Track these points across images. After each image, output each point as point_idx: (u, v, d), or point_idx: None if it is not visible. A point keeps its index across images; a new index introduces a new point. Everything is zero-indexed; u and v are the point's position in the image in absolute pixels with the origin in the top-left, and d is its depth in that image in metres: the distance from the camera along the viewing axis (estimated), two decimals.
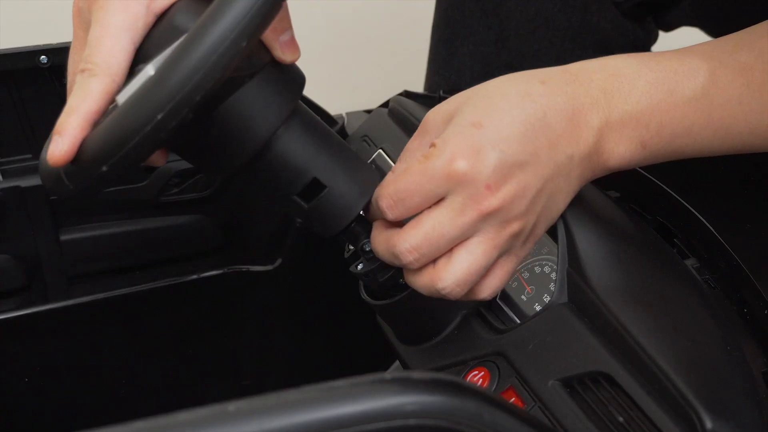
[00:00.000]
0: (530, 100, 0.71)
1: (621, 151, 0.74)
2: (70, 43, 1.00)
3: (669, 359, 0.68)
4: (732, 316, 0.76)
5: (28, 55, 0.99)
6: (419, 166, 0.70)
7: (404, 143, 0.96)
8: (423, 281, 0.72)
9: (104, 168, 0.64)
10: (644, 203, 0.85)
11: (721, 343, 0.72)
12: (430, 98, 1.05)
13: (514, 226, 0.71)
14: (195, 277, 1.14)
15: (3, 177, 1.04)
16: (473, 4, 1.09)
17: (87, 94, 0.68)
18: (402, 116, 0.99)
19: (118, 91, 0.68)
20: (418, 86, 1.20)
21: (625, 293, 0.73)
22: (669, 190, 0.83)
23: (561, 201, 0.74)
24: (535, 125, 0.71)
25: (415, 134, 0.75)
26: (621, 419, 0.68)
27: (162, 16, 0.71)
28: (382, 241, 0.73)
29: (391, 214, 0.72)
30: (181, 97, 0.62)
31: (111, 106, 0.69)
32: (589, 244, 0.76)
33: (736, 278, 0.76)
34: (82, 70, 0.69)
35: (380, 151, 0.97)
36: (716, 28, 1.18)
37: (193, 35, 0.63)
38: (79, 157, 0.66)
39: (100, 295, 1.11)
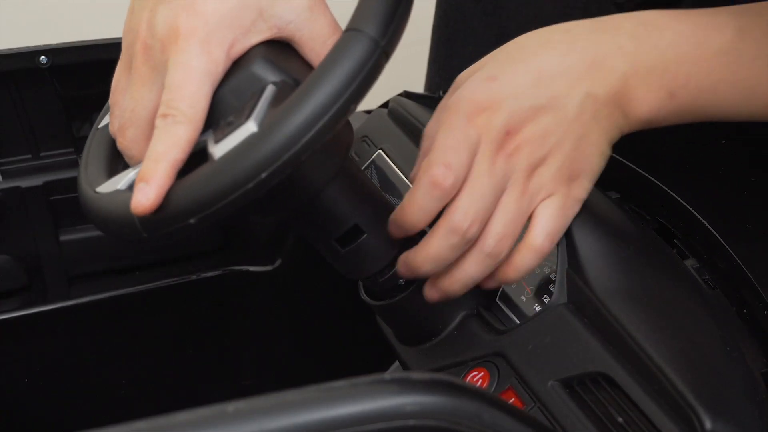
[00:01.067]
0: (548, 47, 0.73)
1: (650, 99, 0.73)
2: (70, 43, 1.01)
3: (668, 360, 0.68)
4: (732, 316, 0.75)
5: (28, 55, 0.99)
6: (443, 133, 0.71)
7: (404, 144, 0.96)
8: (471, 257, 0.73)
9: (192, 220, 0.63)
10: (644, 204, 0.85)
11: (721, 344, 0.72)
12: (430, 98, 1.05)
13: (542, 170, 0.71)
14: (195, 277, 1.14)
15: (3, 177, 1.04)
16: (473, 5, 1.09)
17: (175, 141, 0.66)
18: (402, 117, 0.99)
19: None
20: (418, 86, 1.20)
21: (624, 294, 0.73)
22: (669, 190, 0.83)
23: (595, 141, 0.73)
24: (552, 70, 0.72)
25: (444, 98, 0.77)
26: (620, 420, 0.68)
27: (237, 63, 0.70)
28: (435, 237, 0.72)
29: (447, 180, 0.70)
30: (287, 157, 0.61)
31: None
32: (588, 244, 0.76)
33: (735, 279, 0.76)
34: (165, 115, 0.66)
35: (380, 151, 0.97)
36: None
37: (302, 95, 0.62)
38: (163, 207, 0.64)
39: (100, 296, 1.11)
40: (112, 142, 0.75)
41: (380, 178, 0.95)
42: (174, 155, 0.65)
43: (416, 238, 0.75)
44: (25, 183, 1.05)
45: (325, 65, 0.63)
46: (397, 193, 0.93)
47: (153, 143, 0.66)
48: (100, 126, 0.77)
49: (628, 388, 0.68)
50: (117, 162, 0.74)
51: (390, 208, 0.77)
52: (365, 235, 0.75)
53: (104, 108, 0.78)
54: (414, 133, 0.97)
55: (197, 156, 0.66)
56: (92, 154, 0.75)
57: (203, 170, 0.64)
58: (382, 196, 0.78)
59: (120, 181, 0.70)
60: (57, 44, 1.00)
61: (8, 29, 1.64)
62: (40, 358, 1.11)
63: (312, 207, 0.73)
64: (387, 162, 0.96)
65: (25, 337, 1.09)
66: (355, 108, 0.64)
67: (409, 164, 0.95)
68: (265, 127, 0.63)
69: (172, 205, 0.64)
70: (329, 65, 0.63)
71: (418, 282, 0.78)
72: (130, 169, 0.71)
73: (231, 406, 0.51)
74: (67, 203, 1.07)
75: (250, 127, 0.64)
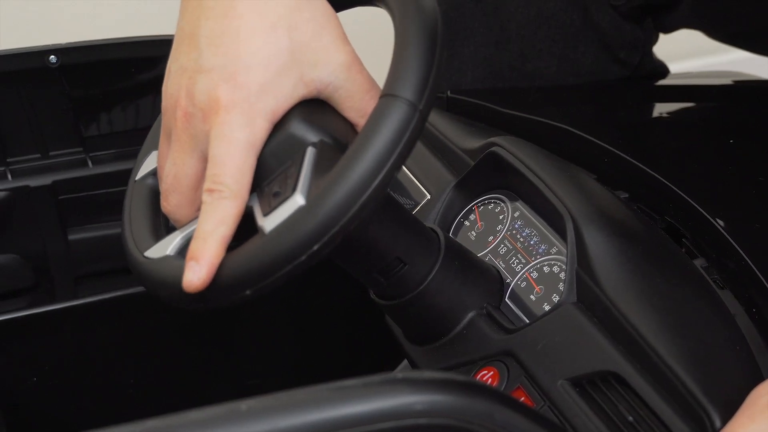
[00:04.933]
0: None
1: None
2: (79, 43, 1.01)
3: (678, 359, 0.68)
4: (741, 315, 0.75)
5: (37, 55, 0.99)
6: None
7: None
8: None
9: (247, 292, 0.64)
10: (653, 203, 0.85)
11: (730, 343, 0.72)
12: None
13: None
14: None
15: (11, 177, 1.04)
16: (473, 6, 1.08)
17: (222, 218, 0.66)
18: None
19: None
20: None
21: (634, 293, 0.73)
22: (677, 190, 0.83)
23: None
24: None
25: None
26: (631, 419, 0.68)
27: (275, 126, 0.70)
28: None
29: None
30: (337, 229, 0.62)
31: None
32: (598, 244, 0.76)
33: (744, 278, 0.76)
34: (211, 191, 0.66)
35: None
36: (716, 30, 1.17)
37: (346, 166, 0.63)
38: (217, 280, 0.65)
39: (108, 295, 1.11)
40: (152, 197, 0.76)
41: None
42: (222, 232, 0.66)
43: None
44: (33, 182, 1.05)
45: (366, 134, 0.63)
46: (406, 193, 0.93)
47: (201, 221, 0.66)
48: (137, 178, 0.77)
49: (638, 387, 0.68)
50: (159, 218, 0.75)
51: (425, 232, 0.78)
52: (407, 266, 0.76)
53: (138, 158, 0.78)
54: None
55: (243, 221, 0.67)
56: (134, 211, 0.75)
57: (255, 244, 0.65)
58: (417, 222, 0.79)
59: (168, 246, 0.70)
60: (66, 44, 1.00)
61: (18, 28, 1.64)
62: (47, 357, 1.11)
63: (355, 245, 0.74)
64: None
65: (32, 337, 1.10)
66: (398, 172, 0.64)
67: (416, 164, 0.95)
68: (312, 200, 0.63)
69: (227, 278, 0.65)
70: (370, 134, 0.63)
71: (427, 282, 0.78)
72: (177, 233, 0.71)
73: (244, 405, 0.51)
74: (75, 203, 1.07)
75: (297, 200, 0.65)
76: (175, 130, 0.70)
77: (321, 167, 0.67)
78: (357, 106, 0.71)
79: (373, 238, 0.74)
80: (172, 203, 0.72)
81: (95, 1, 1.69)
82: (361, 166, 0.62)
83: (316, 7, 0.70)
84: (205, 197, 0.67)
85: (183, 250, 0.70)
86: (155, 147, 0.77)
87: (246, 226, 0.68)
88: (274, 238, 0.64)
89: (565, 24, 1.08)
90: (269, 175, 0.69)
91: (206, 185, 0.67)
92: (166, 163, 0.72)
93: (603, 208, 0.80)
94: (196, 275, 0.64)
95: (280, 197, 0.66)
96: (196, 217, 0.71)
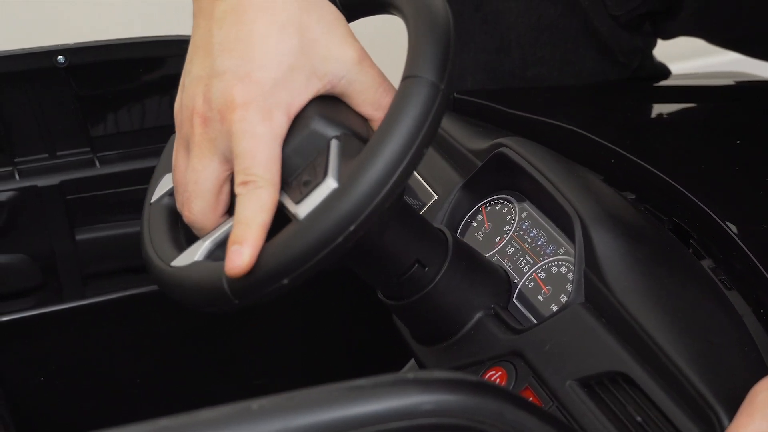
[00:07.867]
0: None
1: None
2: (87, 43, 1.01)
3: (686, 359, 0.68)
4: (748, 316, 0.76)
5: (46, 55, 0.99)
6: None
7: None
8: None
9: (285, 281, 0.64)
10: (660, 204, 0.85)
11: (738, 343, 0.72)
12: None
13: None
14: None
15: (19, 176, 1.05)
16: (473, 12, 1.08)
17: (261, 205, 0.66)
18: None
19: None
20: None
21: (642, 293, 0.74)
22: (684, 190, 0.83)
23: None
24: None
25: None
26: (639, 419, 0.68)
27: (294, 122, 0.70)
28: None
29: None
30: (372, 208, 0.63)
31: None
32: (605, 244, 0.76)
33: (752, 279, 0.76)
34: (245, 183, 0.67)
35: None
36: (716, 37, 1.17)
37: (376, 146, 0.64)
38: (253, 271, 0.65)
39: (115, 295, 1.12)
40: (170, 216, 0.76)
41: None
42: (262, 218, 0.66)
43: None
44: (41, 182, 1.05)
45: (393, 114, 0.65)
46: (414, 194, 0.93)
47: (239, 210, 0.67)
48: (153, 201, 0.77)
49: (646, 387, 0.68)
50: (179, 235, 0.75)
51: (433, 233, 0.78)
52: (426, 269, 0.77)
53: (151, 182, 0.79)
54: None
55: (274, 218, 0.68)
56: (153, 229, 0.76)
57: (291, 230, 0.65)
58: (426, 223, 0.79)
59: (195, 253, 0.71)
60: (74, 44, 1.00)
61: (25, 28, 1.64)
62: (55, 357, 1.11)
63: (374, 250, 0.75)
64: None
65: (40, 336, 1.10)
66: (426, 152, 0.65)
67: (423, 164, 0.94)
68: (345, 182, 0.64)
69: (263, 268, 0.65)
70: (397, 113, 0.64)
71: (435, 282, 0.78)
72: (200, 241, 0.71)
73: (255, 404, 0.51)
74: (83, 202, 1.07)
75: (330, 184, 0.66)
76: (194, 137, 0.71)
77: (348, 154, 0.68)
78: (371, 99, 0.73)
79: (389, 242, 0.75)
80: (195, 211, 0.72)
81: (102, 1, 1.70)
82: (391, 144, 0.64)
83: (323, 8, 0.72)
84: (240, 190, 0.68)
85: (212, 255, 0.70)
86: (168, 170, 0.77)
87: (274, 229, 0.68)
88: (310, 222, 0.64)
89: (565, 29, 1.08)
90: (295, 172, 0.70)
91: (238, 179, 0.68)
92: (185, 173, 0.72)
93: (610, 209, 0.80)
94: (240, 258, 0.65)
95: (311, 184, 0.67)
96: (219, 224, 0.71)
